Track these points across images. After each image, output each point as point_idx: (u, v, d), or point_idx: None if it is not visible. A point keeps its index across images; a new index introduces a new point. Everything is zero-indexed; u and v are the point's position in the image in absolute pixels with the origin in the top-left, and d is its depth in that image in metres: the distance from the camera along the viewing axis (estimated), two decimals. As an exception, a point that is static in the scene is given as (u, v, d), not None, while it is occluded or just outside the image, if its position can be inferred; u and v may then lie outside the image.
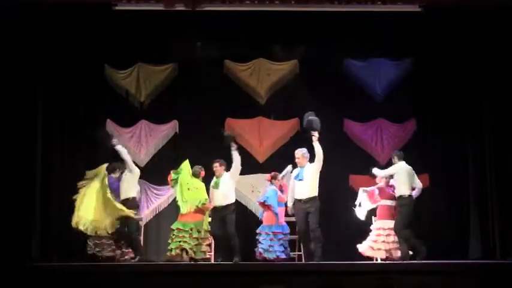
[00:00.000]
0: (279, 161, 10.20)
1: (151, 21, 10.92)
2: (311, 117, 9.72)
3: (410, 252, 9.87)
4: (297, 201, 9.63)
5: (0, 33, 10.22)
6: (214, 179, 9.88)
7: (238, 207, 11.20)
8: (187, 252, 9.66)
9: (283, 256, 9.59)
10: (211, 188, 9.85)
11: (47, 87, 10.80)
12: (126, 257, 10.14)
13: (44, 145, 10.66)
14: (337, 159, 11.08)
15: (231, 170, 9.82)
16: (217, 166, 9.82)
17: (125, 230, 9.85)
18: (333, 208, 10.82)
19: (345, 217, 10.89)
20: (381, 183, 10.24)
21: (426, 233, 10.73)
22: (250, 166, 11.34)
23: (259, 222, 11.08)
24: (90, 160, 10.15)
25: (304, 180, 9.54)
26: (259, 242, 9.67)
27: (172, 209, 11.19)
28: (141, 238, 10.52)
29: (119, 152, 9.89)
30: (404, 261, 9.81)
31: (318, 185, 9.61)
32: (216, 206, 9.76)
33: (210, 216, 9.91)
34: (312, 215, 9.48)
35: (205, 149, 10.81)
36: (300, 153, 9.69)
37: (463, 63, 11.07)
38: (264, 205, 9.82)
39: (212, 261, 10.10)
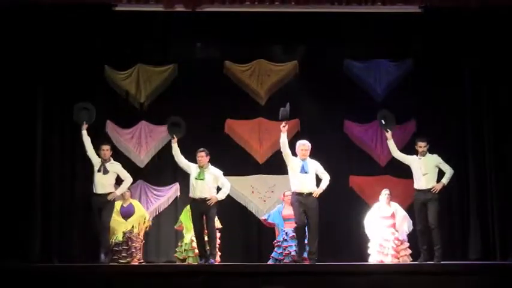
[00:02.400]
0: (279, 162, 10.17)
1: (151, 21, 10.93)
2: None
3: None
4: (296, 195, 9.28)
5: (1, 33, 10.24)
6: (198, 169, 9.51)
7: (239, 208, 11.25)
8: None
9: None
10: (193, 179, 9.45)
11: (47, 88, 10.81)
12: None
13: (44, 145, 10.67)
14: (338, 160, 11.10)
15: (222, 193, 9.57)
16: (203, 156, 9.51)
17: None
18: (333, 209, 10.82)
19: (345, 217, 10.91)
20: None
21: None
22: (250, 167, 11.36)
23: (258, 223, 11.12)
24: (90, 160, 10.11)
25: (309, 173, 9.27)
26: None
27: (172, 209, 11.20)
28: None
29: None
30: (404, 262, 9.86)
31: None
32: (196, 198, 9.43)
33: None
34: (313, 211, 9.23)
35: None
36: (308, 144, 9.38)
37: (463, 64, 11.08)
38: (267, 222, 10.32)
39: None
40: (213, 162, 10.14)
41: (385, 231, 10.13)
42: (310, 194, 9.21)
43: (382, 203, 10.27)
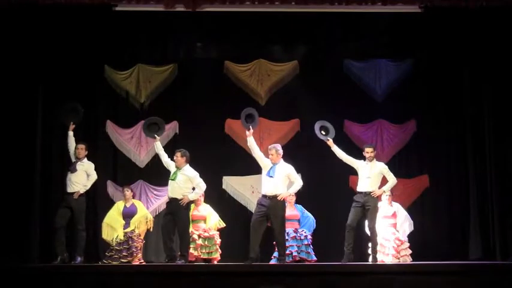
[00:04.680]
0: (278, 162, 10.17)
1: (151, 21, 10.93)
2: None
3: None
4: (261, 196, 9.23)
5: (1, 33, 10.25)
6: (175, 169, 9.62)
7: (239, 208, 11.25)
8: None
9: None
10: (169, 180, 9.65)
11: (48, 88, 10.81)
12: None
13: (44, 145, 10.68)
14: (337, 159, 11.09)
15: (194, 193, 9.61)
16: (178, 156, 9.56)
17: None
18: (333, 209, 10.82)
19: (344, 218, 10.89)
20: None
21: (427, 233, 10.77)
22: (250, 167, 11.33)
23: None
24: (90, 160, 10.11)
25: (275, 178, 9.17)
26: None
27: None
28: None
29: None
30: (405, 262, 9.86)
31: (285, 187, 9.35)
32: (169, 198, 9.59)
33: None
34: (276, 215, 9.09)
35: (205, 150, 10.81)
36: (274, 149, 9.36)
37: (463, 64, 11.08)
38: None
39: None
40: (213, 162, 10.16)
41: (386, 231, 10.13)
42: (274, 197, 9.12)
43: (383, 202, 10.26)
